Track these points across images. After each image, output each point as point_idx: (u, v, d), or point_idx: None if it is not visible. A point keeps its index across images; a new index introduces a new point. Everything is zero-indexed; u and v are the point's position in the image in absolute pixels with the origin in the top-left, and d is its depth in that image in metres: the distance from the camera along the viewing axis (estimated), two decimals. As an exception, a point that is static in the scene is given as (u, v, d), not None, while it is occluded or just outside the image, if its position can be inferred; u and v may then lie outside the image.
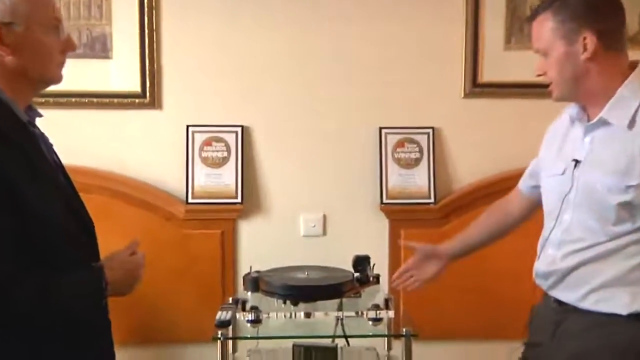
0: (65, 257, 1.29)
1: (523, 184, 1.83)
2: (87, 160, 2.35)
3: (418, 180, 2.42)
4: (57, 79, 1.35)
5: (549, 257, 1.59)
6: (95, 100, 2.37)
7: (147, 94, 2.38)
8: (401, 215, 2.42)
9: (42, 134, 1.38)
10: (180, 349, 2.44)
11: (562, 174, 1.57)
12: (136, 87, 2.38)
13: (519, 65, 2.38)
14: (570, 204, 1.54)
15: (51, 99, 2.30)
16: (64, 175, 1.41)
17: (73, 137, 2.34)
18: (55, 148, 1.42)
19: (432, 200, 2.42)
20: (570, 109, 1.61)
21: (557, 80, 1.53)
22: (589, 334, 1.50)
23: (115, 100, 2.38)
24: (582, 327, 1.52)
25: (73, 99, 2.35)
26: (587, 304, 1.51)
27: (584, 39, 1.47)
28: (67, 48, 1.36)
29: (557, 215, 1.57)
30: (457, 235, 1.90)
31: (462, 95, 2.44)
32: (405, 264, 1.90)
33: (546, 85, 1.58)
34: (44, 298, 1.23)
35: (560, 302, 1.57)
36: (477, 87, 2.43)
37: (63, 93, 2.29)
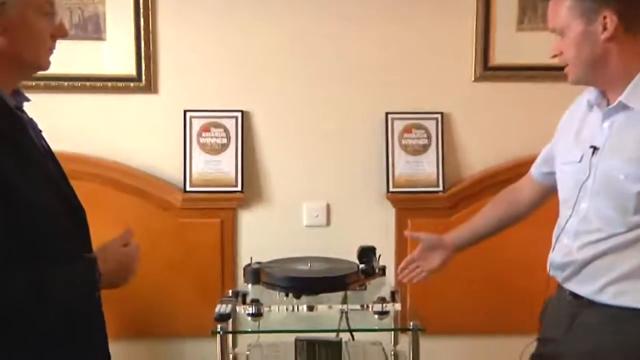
0: (56, 248, 1.28)
1: (535, 170, 1.82)
2: (79, 147, 2.34)
3: (426, 167, 2.41)
4: (46, 65, 1.36)
5: (565, 247, 1.58)
6: (87, 84, 2.35)
7: (143, 77, 2.36)
8: (408, 204, 2.41)
9: (31, 119, 1.37)
10: (178, 343, 2.43)
11: (579, 161, 1.55)
12: (131, 70, 2.36)
13: (532, 47, 2.35)
14: (587, 192, 1.52)
15: (41, 83, 2.28)
16: (54, 162, 1.40)
17: (64, 123, 2.33)
18: (44, 134, 1.41)
19: (440, 188, 2.41)
20: (589, 94, 1.58)
21: (574, 62, 1.51)
22: (605, 329, 1.49)
23: (109, 84, 2.36)
24: (599, 321, 1.50)
25: (64, 83, 2.34)
26: (605, 298, 1.49)
27: (604, 18, 1.45)
28: (59, 34, 1.36)
29: (574, 204, 1.55)
30: (464, 224, 1.89)
31: (473, 78, 2.42)
32: (410, 254, 1.89)
33: (562, 68, 1.56)
34: (38, 290, 1.22)
35: (575, 295, 1.56)
36: (488, 70, 2.41)
37: (54, 76, 2.27)
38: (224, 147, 2.39)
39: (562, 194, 1.64)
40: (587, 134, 1.57)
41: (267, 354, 1.97)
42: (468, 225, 1.88)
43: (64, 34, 1.36)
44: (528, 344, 1.71)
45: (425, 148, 2.42)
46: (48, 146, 1.41)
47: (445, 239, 1.86)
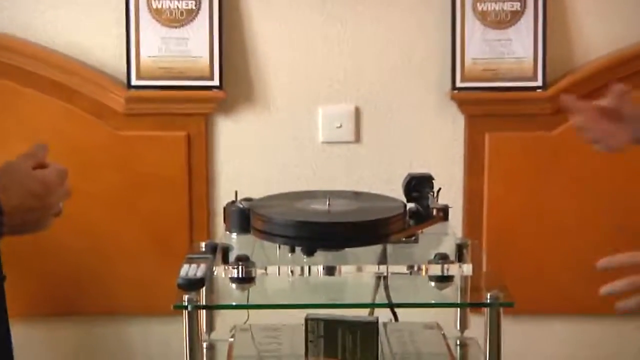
0: None
1: None
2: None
3: (516, 49, 2.42)
4: None
5: None
6: None
7: None
8: (486, 108, 2.43)
9: None
10: (123, 323, 2.50)
11: None
12: None
13: None
14: None
15: None
16: None
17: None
18: None
19: (539, 83, 2.42)
20: None
21: None
22: None
23: None
24: None
25: None
26: None
27: None
28: None
29: None
30: None
31: None
32: None
33: None
34: None
35: None
36: None
37: None
38: (190, 14, 2.39)
39: None
40: None
41: (261, 341, 2.00)
42: None
43: None
44: None
45: (514, 17, 2.41)
46: None
47: None
